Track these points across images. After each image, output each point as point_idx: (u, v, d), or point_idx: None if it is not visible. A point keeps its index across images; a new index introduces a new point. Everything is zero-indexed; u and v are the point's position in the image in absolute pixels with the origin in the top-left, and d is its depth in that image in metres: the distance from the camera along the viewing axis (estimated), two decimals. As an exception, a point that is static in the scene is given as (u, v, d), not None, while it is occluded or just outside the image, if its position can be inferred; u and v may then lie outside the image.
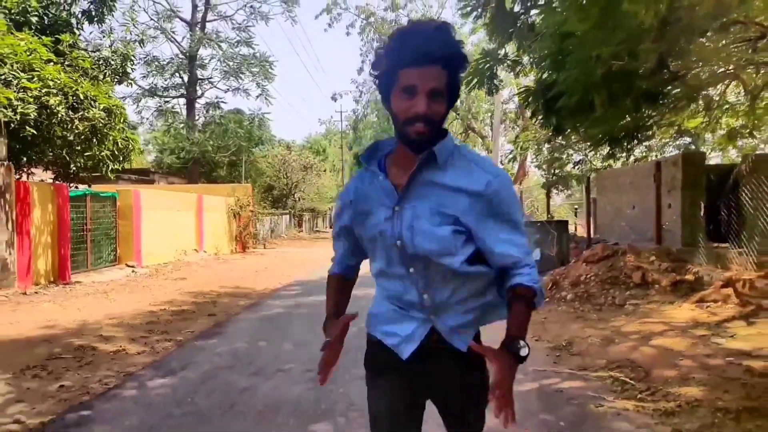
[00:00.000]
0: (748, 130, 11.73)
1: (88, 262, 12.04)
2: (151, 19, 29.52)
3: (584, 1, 6.52)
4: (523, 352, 1.53)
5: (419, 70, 1.48)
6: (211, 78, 32.35)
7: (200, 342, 6.40)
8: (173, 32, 30.17)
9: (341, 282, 1.87)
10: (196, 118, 31.55)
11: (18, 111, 8.86)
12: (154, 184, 24.23)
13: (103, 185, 13.48)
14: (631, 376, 4.71)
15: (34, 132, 9.33)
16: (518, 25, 9.38)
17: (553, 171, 22.94)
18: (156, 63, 30.21)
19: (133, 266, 13.28)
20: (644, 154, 17.18)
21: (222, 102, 31.37)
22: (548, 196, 26.15)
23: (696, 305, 7.13)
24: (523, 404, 3.85)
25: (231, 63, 31.78)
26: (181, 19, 30.55)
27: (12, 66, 9.17)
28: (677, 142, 18.26)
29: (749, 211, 9.06)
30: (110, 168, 12.18)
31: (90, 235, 12.13)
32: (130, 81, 13.08)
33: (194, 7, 31.07)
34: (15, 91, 8.92)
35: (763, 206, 8.53)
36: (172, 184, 28.14)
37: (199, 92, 31.88)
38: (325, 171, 52.27)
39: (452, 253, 1.57)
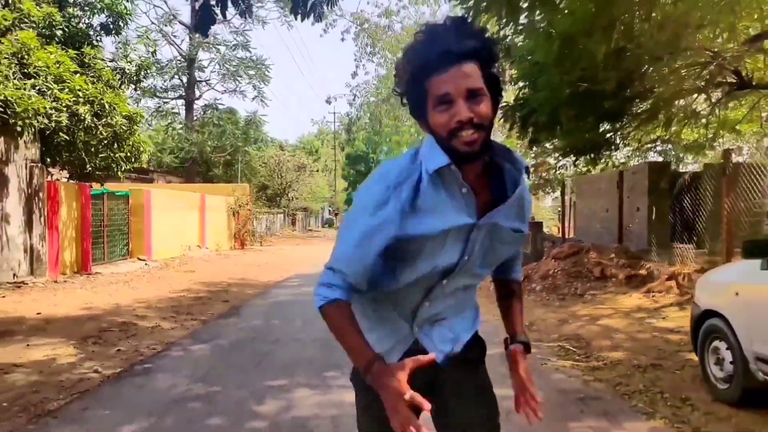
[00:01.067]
0: (706, 142, 13.09)
1: (105, 256, 13.13)
2: (152, 23, 30.51)
3: (547, 37, 7.72)
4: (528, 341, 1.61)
5: (448, 73, 1.27)
6: (209, 80, 33.41)
7: (222, 321, 7.56)
8: (174, 36, 31.11)
9: (350, 310, 1.38)
10: (194, 118, 32.56)
11: (53, 119, 9.96)
12: (153, 183, 25.27)
13: (108, 184, 14.50)
14: (575, 346, 5.92)
15: (67, 138, 10.44)
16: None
17: (539, 175, 24.19)
18: (156, 65, 31.18)
19: (144, 260, 14.38)
20: (625, 160, 18.44)
21: (220, 104, 32.18)
22: (563, 197, 27.43)
23: (643, 295, 8.36)
24: (489, 364, 5.04)
25: (229, 66, 32.85)
26: (181, 23, 31.57)
27: (46, 78, 10.25)
28: (658, 149, 19.55)
29: (689, 215, 10.35)
30: (123, 169, 13.29)
31: (107, 230, 13.21)
32: (144, 89, 14.15)
33: (193, 10, 32.05)
34: (49, 101, 10.00)
35: (701, 212, 9.80)
36: (170, 182, 29.16)
37: (198, 94, 32.92)
38: (317, 171, 53.28)
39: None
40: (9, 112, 9.20)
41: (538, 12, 7.58)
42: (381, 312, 1.49)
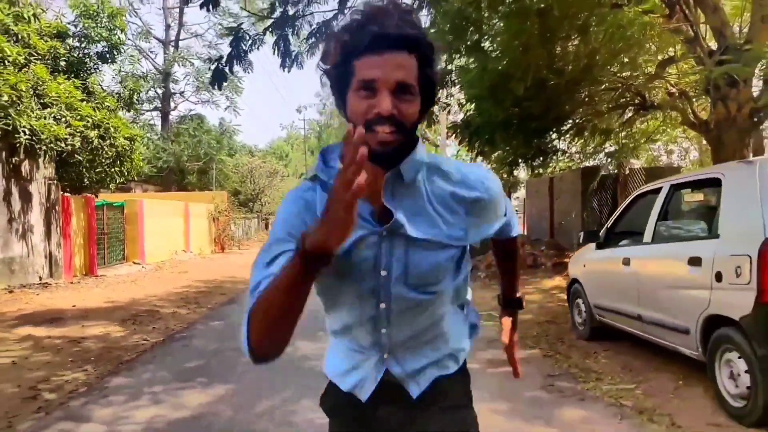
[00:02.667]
0: (624, 154, 15.41)
1: (105, 260, 14.76)
2: (128, 39, 31.84)
3: (480, 76, 9.74)
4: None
5: (380, 57, 1.09)
6: (183, 92, 34.87)
7: (225, 307, 9.40)
8: (151, 51, 32.54)
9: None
10: (170, 129, 33.99)
11: (68, 143, 11.63)
12: (131, 192, 26.68)
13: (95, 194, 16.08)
14: (483, 311, 7.95)
15: (80, 159, 12.11)
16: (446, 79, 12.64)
17: (501, 176, 26.45)
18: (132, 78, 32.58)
19: (139, 263, 16.03)
20: (578, 162, 20.71)
21: (195, 114, 33.66)
22: (509, 195, 29.76)
23: (563, 277, 10.48)
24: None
25: (202, 78, 34.35)
26: (157, 39, 32.98)
27: (60, 107, 11.90)
28: (607, 151, 21.94)
29: (596, 213, 12.59)
30: (117, 182, 14.97)
31: (106, 237, 14.85)
32: (135, 109, 15.81)
33: (167, 27, 33.54)
34: (64, 127, 11.67)
35: (603, 211, 12.04)
36: (147, 191, 30.60)
37: (173, 105, 34.36)
38: (288, 176, 54.76)
39: (441, 279, 1.28)
40: (34, 139, 10.89)
41: (472, 58, 9.65)
42: (350, 346, 1.39)
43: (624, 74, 10.81)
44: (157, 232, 17.48)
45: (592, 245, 5.81)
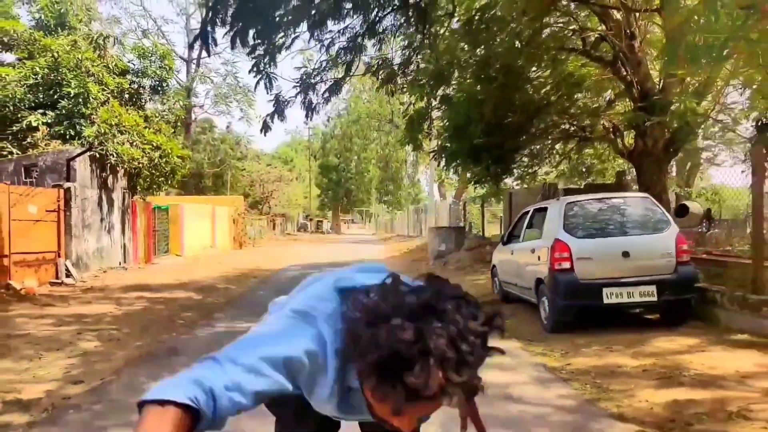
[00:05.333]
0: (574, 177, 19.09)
1: (156, 252, 18.45)
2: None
3: (449, 117, 13.39)
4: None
5: (427, 406, 1.13)
6: (202, 105, 38.66)
7: (261, 285, 13.07)
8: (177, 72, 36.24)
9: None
10: (191, 138, 37.75)
11: (139, 162, 15.31)
12: (156, 196, 30.40)
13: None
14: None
15: (146, 173, 15.80)
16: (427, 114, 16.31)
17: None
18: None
19: (179, 255, 19.72)
20: (553, 177, 24.41)
21: (213, 127, 37.37)
22: (483, 208, 33.40)
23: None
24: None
25: (219, 92, 38.18)
26: (181, 58, 36.71)
27: (132, 134, 15.58)
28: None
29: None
30: (163, 189, 18.67)
31: (156, 234, 18.54)
32: (179, 130, 19.49)
33: (190, 46, 37.26)
34: (137, 150, 15.34)
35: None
36: (168, 194, 34.37)
37: (193, 117, 38.10)
38: (293, 180, 58.44)
39: None
40: (117, 160, 14.59)
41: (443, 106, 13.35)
42: None
43: (570, 111, 14.29)
44: (192, 230, 21.18)
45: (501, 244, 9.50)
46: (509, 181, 20.54)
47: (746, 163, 13.63)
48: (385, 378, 1.08)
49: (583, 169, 23.61)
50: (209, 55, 11.29)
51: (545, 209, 7.80)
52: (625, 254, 6.70)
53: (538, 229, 7.80)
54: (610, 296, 6.62)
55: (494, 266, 9.92)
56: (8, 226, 11.28)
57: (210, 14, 7.02)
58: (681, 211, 15.02)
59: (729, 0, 7.80)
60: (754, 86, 10.78)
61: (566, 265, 6.75)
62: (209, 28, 7.07)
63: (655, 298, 6.62)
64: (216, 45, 7.46)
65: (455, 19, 13.26)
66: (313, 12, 8.91)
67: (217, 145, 36.63)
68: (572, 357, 5.79)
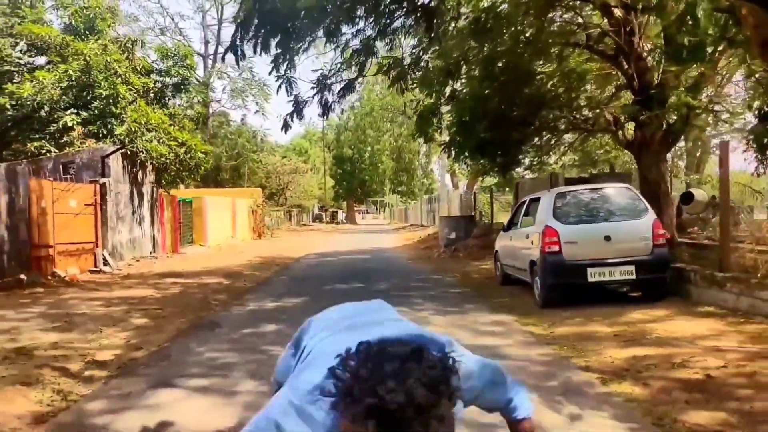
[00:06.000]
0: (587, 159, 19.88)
1: (182, 242, 19.55)
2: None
3: (457, 112, 14.23)
4: None
5: None
6: (219, 99, 39.73)
7: (284, 271, 14.09)
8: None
9: None
10: (209, 131, 38.88)
11: (166, 158, 16.36)
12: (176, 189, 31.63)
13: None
14: (461, 275, 12.53)
15: (173, 168, 16.85)
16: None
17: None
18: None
19: (204, 245, 20.82)
20: (561, 167, 25.20)
21: (232, 120, 38.46)
22: (491, 198, 34.19)
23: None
24: (422, 283, 11.66)
25: (236, 87, 39.23)
26: (198, 54, 37.70)
27: (158, 132, 16.62)
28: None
29: None
30: (186, 183, 19.73)
31: (181, 225, 19.63)
32: (203, 128, 20.53)
33: (206, 42, 38.36)
34: (163, 147, 16.39)
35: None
36: (188, 188, 35.59)
37: (211, 111, 39.18)
38: (308, 171, 59.44)
39: None
40: (145, 156, 15.65)
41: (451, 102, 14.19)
42: None
43: (573, 105, 15.01)
44: (214, 221, 22.27)
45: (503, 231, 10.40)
46: (521, 170, 21.43)
47: (747, 152, 14.11)
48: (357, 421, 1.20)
49: (595, 158, 24.42)
50: (239, 66, 12.35)
51: (539, 199, 8.69)
52: (607, 238, 7.59)
53: (532, 216, 8.70)
54: (594, 275, 7.53)
55: (497, 251, 10.83)
56: (52, 219, 12.36)
57: (239, 30, 7.96)
58: (686, 199, 15.73)
59: (707, 6, 8.62)
60: (754, 78, 11.44)
61: (555, 248, 7.66)
62: (238, 42, 8.03)
63: (633, 277, 7.52)
64: (245, 58, 8.39)
65: (463, 18, 13.98)
66: (329, 20, 9.82)
67: (234, 139, 37.75)
68: (557, 327, 6.72)
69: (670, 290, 7.84)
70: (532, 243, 8.28)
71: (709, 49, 10.30)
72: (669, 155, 23.69)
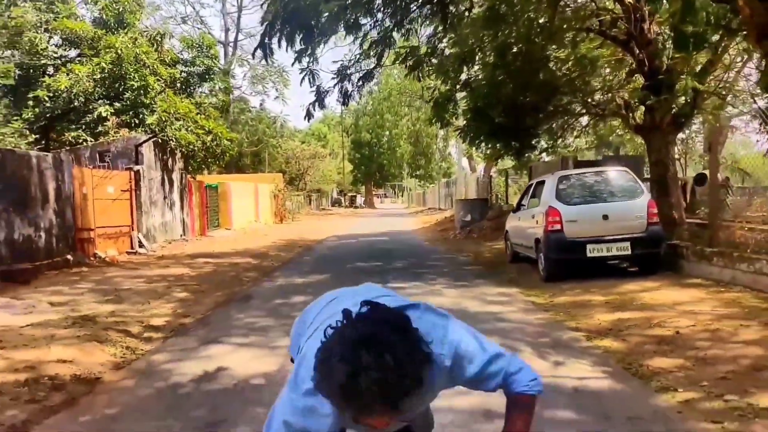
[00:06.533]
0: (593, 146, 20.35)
1: (209, 226, 20.52)
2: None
3: (472, 99, 14.86)
4: None
5: (371, 418, 1.36)
6: (240, 87, 40.62)
7: (306, 252, 14.95)
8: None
9: None
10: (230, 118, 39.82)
11: (194, 146, 17.25)
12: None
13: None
14: (474, 254, 13.27)
15: (200, 155, 17.74)
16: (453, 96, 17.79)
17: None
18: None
19: (229, 229, 21.78)
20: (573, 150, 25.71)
21: (253, 107, 39.34)
22: (506, 181, 34.72)
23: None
24: (437, 262, 12.44)
25: (256, 74, 40.05)
26: (219, 42, 38.54)
27: (186, 120, 17.50)
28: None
29: None
30: (212, 169, 20.65)
31: (208, 210, 20.59)
32: (226, 115, 21.36)
33: (226, 30, 39.15)
34: (191, 135, 17.26)
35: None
36: (210, 173, 36.70)
37: (231, 97, 40.09)
38: (326, 156, 60.17)
39: None
40: (175, 144, 16.55)
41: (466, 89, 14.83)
42: None
43: (584, 90, 15.53)
44: (238, 206, 23.22)
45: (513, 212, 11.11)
46: (537, 153, 22.03)
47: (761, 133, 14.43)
48: (335, 405, 1.36)
49: (610, 141, 24.85)
50: (267, 63, 13.14)
51: (544, 182, 9.38)
52: (605, 217, 8.28)
53: (538, 198, 9.39)
54: (592, 251, 8.23)
55: (507, 231, 11.54)
56: (92, 204, 13.32)
57: (268, 29, 8.72)
58: (700, 180, 16.24)
59: (704, -2, 9.13)
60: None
61: (557, 226, 8.37)
62: (267, 40, 8.79)
63: (629, 252, 8.21)
64: (273, 54, 9.15)
65: (478, 5, 14.46)
66: (349, 16, 10.52)
67: (255, 125, 38.65)
68: (556, 297, 7.46)
69: (666, 265, 8.51)
70: (537, 222, 8.99)
71: (716, 37, 10.84)
72: (684, 137, 24.05)
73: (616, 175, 8.91)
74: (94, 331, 6.04)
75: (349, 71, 13.43)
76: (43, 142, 15.93)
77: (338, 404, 1.36)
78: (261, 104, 42.06)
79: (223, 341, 5.65)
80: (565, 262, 8.50)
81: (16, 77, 15.94)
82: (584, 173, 9.05)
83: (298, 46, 9.92)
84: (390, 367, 1.27)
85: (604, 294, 7.32)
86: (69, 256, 11.83)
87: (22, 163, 10.52)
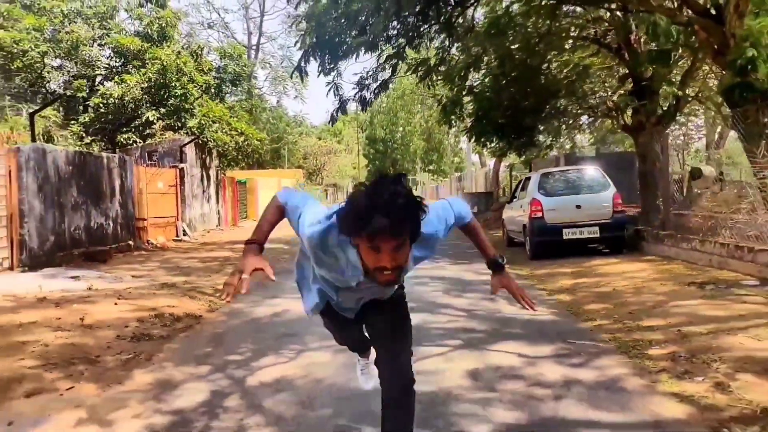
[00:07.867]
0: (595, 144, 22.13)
1: (239, 217, 22.62)
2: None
3: (477, 102, 16.70)
4: (503, 261, 2.49)
5: (385, 242, 1.81)
6: (261, 87, 42.74)
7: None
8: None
9: (279, 217, 2.39)
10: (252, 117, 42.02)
11: (228, 146, 19.30)
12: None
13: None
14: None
15: (234, 155, 19.81)
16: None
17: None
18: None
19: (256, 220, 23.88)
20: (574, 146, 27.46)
21: (273, 107, 41.43)
22: (510, 175, 36.48)
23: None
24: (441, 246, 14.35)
25: (277, 75, 42.13)
26: (242, 45, 40.60)
27: (221, 123, 19.55)
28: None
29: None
30: (241, 166, 22.75)
31: (238, 203, 22.69)
32: (257, 118, 23.43)
33: (249, 33, 41.23)
34: (225, 136, 19.31)
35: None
36: (233, 169, 38.96)
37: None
38: (341, 152, 62.13)
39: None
40: (213, 145, 18.63)
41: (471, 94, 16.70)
42: (323, 283, 2.39)
43: (578, 94, 17.29)
44: (265, 199, 25.30)
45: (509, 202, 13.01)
46: (542, 150, 23.86)
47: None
48: (358, 232, 1.84)
49: (610, 138, 26.53)
50: (302, 82, 15.16)
51: (530, 178, 11.28)
52: (578, 206, 10.18)
53: (525, 191, 11.30)
54: (568, 234, 10.14)
55: (503, 219, 13.45)
56: (145, 197, 15.42)
57: (303, 54, 10.71)
58: (696, 174, 17.97)
59: (666, 22, 10.96)
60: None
61: (539, 214, 10.28)
62: (303, 64, 10.79)
63: (598, 235, 10.11)
64: (307, 75, 11.12)
65: (483, 16, 16.15)
66: (369, 37, 12.45)
67: (276, 123, 40.78)
68: (536, 270, 9.38)
69: (630, 246, 10.39)
70: (524, 211, 10.90)
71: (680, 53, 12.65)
72: (682, 134, 25.64)
73: (588, 172, 10.80)
74: (180, 291, 8.08)
75: (366, 82, 15.37)
76: (102, 143, 18.05)
77: (357, 226, 1.84)
78: (278, 101, 44.22)
79: (281, 296, 7.65)
80: (547, 243, 10.41)
81: (74, 87, 18.09)
82: (563, 170, 10.95)
83: (326, 66, 11.88)
84: (400, 195, 1.80)
85: (573, 267, 9.23)
86: (130, 242, 13.93)
87: (97, 163, 12.61)
